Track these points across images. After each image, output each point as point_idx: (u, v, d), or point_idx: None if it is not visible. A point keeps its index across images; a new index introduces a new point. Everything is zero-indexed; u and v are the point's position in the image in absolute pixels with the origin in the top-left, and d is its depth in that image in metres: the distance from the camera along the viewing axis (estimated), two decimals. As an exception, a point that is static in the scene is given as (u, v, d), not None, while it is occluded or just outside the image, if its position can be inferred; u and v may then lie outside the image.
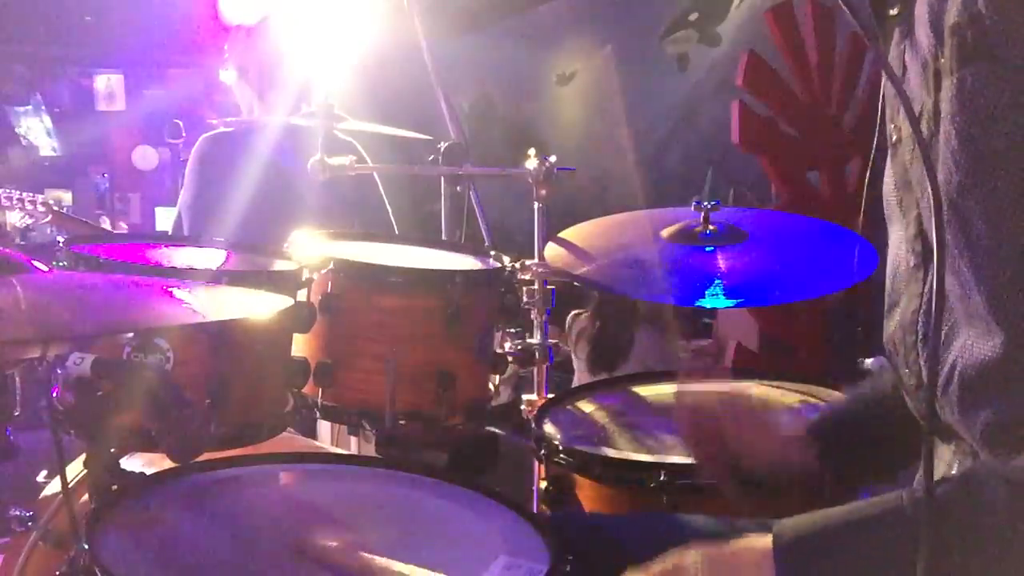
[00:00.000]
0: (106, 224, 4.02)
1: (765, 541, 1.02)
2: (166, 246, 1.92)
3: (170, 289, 1.36)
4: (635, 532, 1.46)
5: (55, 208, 3.94)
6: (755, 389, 2.02)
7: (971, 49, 0.98)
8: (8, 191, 3.87)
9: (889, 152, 1.14)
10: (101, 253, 1.71)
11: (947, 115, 1.00)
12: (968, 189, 0.99)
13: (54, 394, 1.47)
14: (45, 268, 1.55)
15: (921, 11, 1.05)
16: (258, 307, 1.46)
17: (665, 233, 2.01)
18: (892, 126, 1.13)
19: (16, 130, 7.17)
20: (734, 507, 1.45)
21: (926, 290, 1.10)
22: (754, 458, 1.41)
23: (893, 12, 1.09)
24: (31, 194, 3.93)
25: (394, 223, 3.23)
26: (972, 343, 1.03)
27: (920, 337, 1.12)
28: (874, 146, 1.22)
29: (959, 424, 1.07)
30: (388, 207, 3.23)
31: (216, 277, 1.62)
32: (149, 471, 1.41)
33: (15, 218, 3.88)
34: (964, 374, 1.04)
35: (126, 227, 4.23)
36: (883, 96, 1.19)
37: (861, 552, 0.97)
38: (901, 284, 1.16)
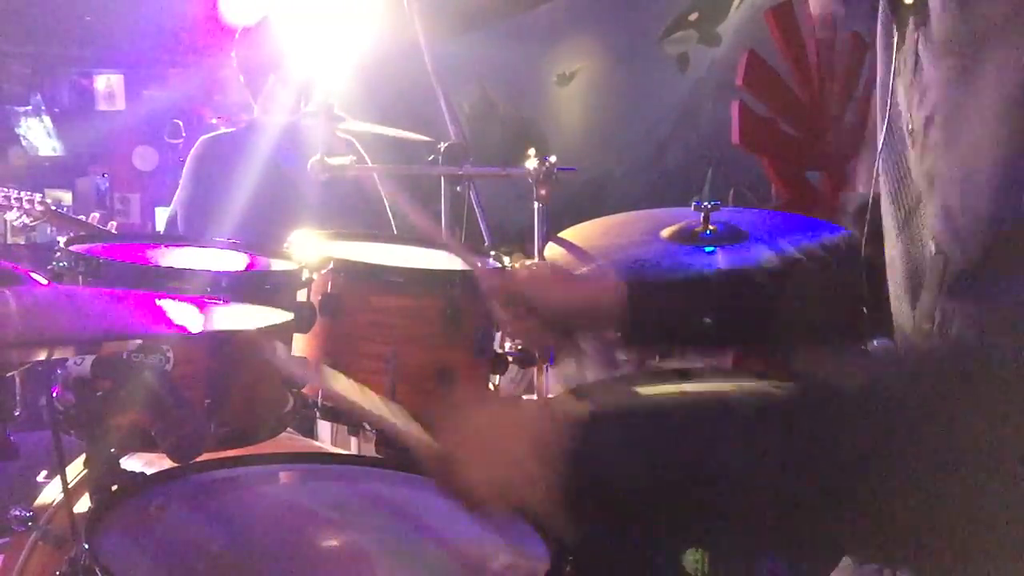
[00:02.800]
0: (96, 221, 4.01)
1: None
2: (166, 246, 1.91)
3: (169, 302, 1.36)
4: None
5: (52, 208, 3.94)
6: (755, 388, 2.02)
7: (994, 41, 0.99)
8: (6, 191, 3.87)
9: (908, 142, 1.14)
10: (101, 253, 1.71)
11: (978, 106, 1.01)
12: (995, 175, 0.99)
13: (54, 394, 1.47)
14: (44, 280, 1.55)
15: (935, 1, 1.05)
16: (256, 321, 1.46)
17: (665, 233, 2.01)
18: (908, 115, 1.13)
19: (16, 130, 7.17)
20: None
21: (947, 272, 1.11)
22: (559, 305, 1.50)
23: (908, 1, 1.10)
24: (28, 193, 3.93)
25: (393, 223, 3.23)
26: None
27: (937, 323, 1.12)
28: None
29: None
30: (388, 207, 3.23)
31: (216, 278, 1.62)
32: (149, 471, 1.41)
33: (12, 217, 3.87)
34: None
35: (114, 224, 4.20)
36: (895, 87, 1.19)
37: None
38: (921, 267, 1.15)
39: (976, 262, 1.03)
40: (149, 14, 6.45)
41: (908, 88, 1.12)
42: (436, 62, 3.03)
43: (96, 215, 4.15)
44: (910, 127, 1.13)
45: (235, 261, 1.89)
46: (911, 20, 1.10)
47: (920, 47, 1.09)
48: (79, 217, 4.19)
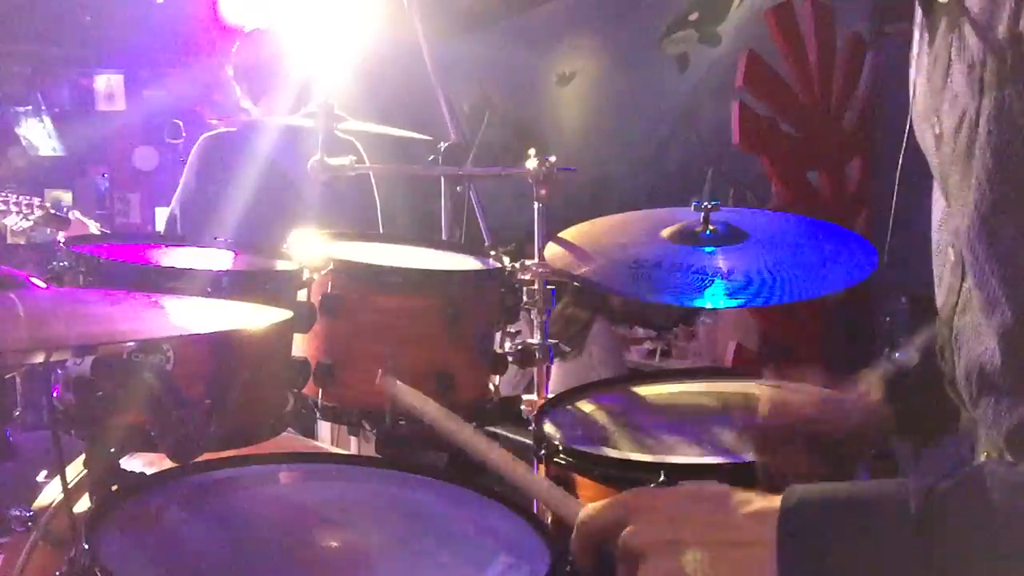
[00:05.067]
0: (93, 227, 4.01)
1: (763, 529, 0.98)
2: (166, 246, 1.91)
3: (168, 301, 1.36)
4: None
5: (51, 211, 3.94)
6: (755, 389, 2.02)
7: (1011, 69, 0.96)
8: (4, 195, 3.88)
9: (933, 144, 1.13)
10: (101, 253, 1.71)
11: (983, 131, 0.98)
12: (1000, 207, 0.98)
13: (54, 394, 1.47)
14: (43, 284, 1.55)
15: (972, 4, 1.02)
16: (257, 319, 1.46)
17: (665, 233, 2.01)
18: (935, 118, 1.11)
19: (16, 130, 7.18)
20: None
21: (962, 290, 1.10)
22: (832, 431, 1.38)
23: (943, 0, 1.06)
24: (27, 197, 3.93)
25: (380, 222, 3.23)
26: (992, 352, 1.04)
27: (954, 335, 1.13)
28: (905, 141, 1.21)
29: (989, 429, 1.09)
30: (378, 206, 3.23)
31: (216, 278, 1.62)
32: (149, 471, 1.41)
33: (11, 222, 3.87)
34: (985, 379, 1.06)
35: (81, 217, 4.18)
36: (914, 87, 1.17)
37: (860, 534, 0.95)
38: (944, 271, 1.15)
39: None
40: (149, 14, 6.46)
41: (937, 92, 1.09)
42: (436, 62, 3.03)
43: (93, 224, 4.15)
44: (937, 130, 1.10)
45: (235, 261, 1.89)
46: (944, 22, 1.07)
47: (953, 50, 1.05)
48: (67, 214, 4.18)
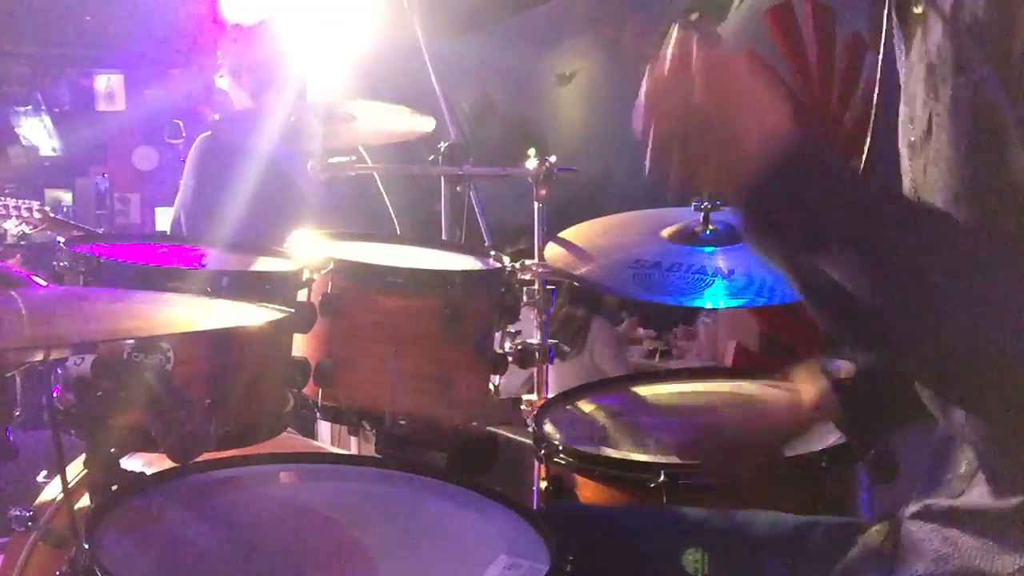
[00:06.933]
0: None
1: None
2: (166, 246, 1.91)
3: (169, 297, 1.36)
4: (633, 523, 1.46)
5: (51, 215, 3.94)
6: (754, 389, 2.02)
7: (964, 59, 0.98)
8: (3, 200, 3.88)
9: (907, 152, 1.14)
10: (101, 253, 1.71)
11: (943, 124, 1.00)
12: (960, 198, 1.00)
13: (54, 394, 1.47)
14: (44, 282, 1.55)
15: (944, 5, 1.03)
16: (257, 317, 1.46)
17: (665, 233, 2.02)
18: (910, 125, 1.12)
19: (16, 130, 7.18)
20: (733, 503, 1.45)
21: None
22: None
23: (918, 10, 1.08)
24: (27, 202, 3.93)
25: (396, 222, 3.23)
26: None
27: None
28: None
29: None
30: (389, 206, 3.23)
31: (216, 278, 1.62)
32: (149, 471, 1.41)
33: (11, 226, 3.87)
34: None
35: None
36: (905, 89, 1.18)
37: None
38: None
39: None
40: (149, 14, 6.46)
41: (912, 99, 1.10)
42: (436, 62, 3.02)
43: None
44: (911, 138, 1.12)
45: (232, 261, 1.89)
46: (920, 29, 1.08)
47: (926, 59, 1.06)
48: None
